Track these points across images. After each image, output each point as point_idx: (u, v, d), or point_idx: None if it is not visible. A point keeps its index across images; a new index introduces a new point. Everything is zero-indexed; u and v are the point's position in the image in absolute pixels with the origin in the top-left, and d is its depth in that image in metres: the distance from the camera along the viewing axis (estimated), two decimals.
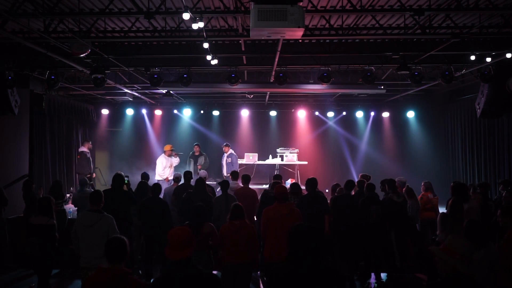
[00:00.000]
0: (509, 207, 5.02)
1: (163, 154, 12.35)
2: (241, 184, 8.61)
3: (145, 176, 9.04)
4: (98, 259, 4.89)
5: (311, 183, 7.29)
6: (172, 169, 12.14)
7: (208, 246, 5.43)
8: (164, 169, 12.03)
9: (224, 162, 12.89)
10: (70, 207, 10.04)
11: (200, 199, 7.12)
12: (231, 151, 12.96)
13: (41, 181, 11.18)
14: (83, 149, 12.82)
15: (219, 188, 8.34)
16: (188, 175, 8.73)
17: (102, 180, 14.70)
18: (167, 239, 3.20)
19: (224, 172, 12.78)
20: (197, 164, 12.58)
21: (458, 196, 6.61)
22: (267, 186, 8.27)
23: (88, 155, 12.78)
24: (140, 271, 7.80)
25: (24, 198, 8.74)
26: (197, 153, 12.78)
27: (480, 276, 3.74)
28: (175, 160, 12.37)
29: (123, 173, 7.73)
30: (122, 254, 3.43)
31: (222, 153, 13.08)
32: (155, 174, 12.04)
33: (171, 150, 12.27)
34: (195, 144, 13.10)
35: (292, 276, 2.86)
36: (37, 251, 5.72)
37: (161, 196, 8.48)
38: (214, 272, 5.47)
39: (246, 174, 8.57)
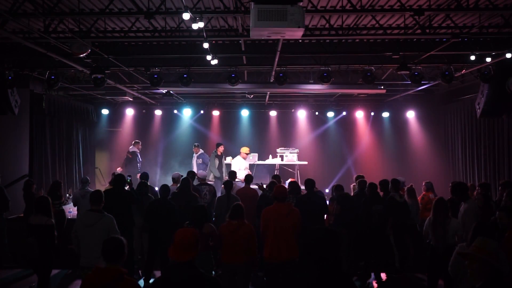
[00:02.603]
0: (508, 207, 5.02)
1: (239, 155, 12.16)
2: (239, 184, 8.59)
3: (145, 176, 9.02)
4: (98, 259, 4.86)
5: (309, 183, 7.30)
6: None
7: (208, 247, 5.43)
8: (239, 170, 11.54)
9: (194, 163, 12.73)
10: (70, 208, 10.03)
11: (184, 200, 7.07)
12: (201, 151, 12.87)
13: (41, 181, 11.16)
14: (134, 149, 13.15)
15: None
16: (190, 174, 8.66)
17: (102, 180, 14.70)
18: (173, 239, 3.19)
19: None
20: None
21: (456, 196, 6.58)
22: (264, 186, 8.23)
23: (139, 155, 13.19)
24: (140, 271, 7.79)
25: (24, 199, 8.73)
26: (219, 153, 12.25)
27: None
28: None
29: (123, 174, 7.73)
30: (119, 254, 3.43)
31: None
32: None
33: (246, 154, 12.17)
34: (220, 144, 12.45)
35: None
36: (36, 251, 5.72)
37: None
38: (214, 272, 5.48)
39: (248, 174, 8.55)
